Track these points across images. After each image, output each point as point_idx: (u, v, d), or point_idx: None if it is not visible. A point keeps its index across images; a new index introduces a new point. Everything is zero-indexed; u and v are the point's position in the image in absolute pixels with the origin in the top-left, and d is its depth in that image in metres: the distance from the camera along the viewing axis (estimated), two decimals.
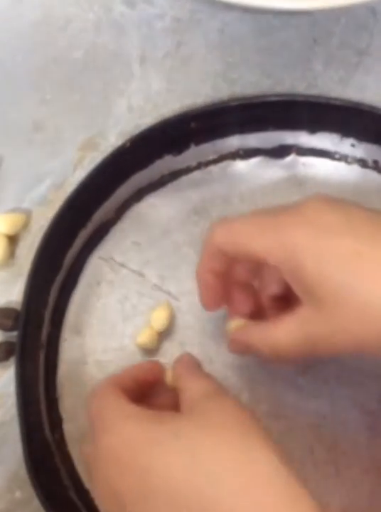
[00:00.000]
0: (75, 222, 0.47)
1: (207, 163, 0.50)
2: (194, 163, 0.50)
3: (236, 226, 0.38)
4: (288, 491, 0.30)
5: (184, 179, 0.50)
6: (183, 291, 0.46)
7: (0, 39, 0.54)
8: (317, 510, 0.30)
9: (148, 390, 0.39)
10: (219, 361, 0.44)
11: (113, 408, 0.35)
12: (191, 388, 0.36)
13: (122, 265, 0.47)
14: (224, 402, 0.35)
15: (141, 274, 0.47)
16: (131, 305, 0.46)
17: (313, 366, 0.44)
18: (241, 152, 0.50)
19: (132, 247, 0.48)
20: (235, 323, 0.41)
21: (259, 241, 0.36)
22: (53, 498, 0.40)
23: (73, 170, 0.50)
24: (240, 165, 0.50)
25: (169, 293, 0.46)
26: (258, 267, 0.41)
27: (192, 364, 0.40)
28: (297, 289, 0.35)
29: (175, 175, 0.49)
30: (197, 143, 0.49)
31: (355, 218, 0.35)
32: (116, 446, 0.33)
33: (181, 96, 0.52)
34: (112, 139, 0.51)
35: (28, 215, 0.49)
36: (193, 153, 0.49)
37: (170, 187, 0.49)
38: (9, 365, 0.45)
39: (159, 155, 0.48)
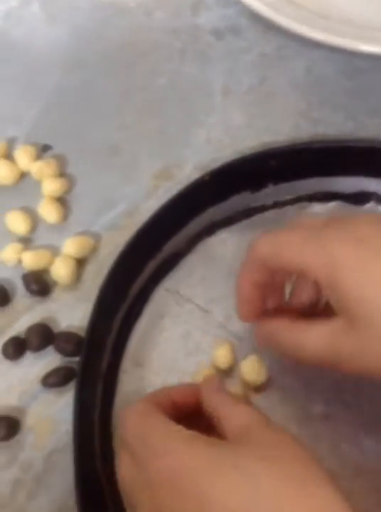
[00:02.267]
0: (146, 251, 0.46)
1: (283, 203, 0.49)
2: (270, 202, 0.49)
3: (280, 238, 0.38)
4: None
5: (258, 217, 0.49)
6: (249, 332, 0.45)
7: (85, 60, 0.54)
8: None
9: (183, 413, 0.38)
10: (281, 411, 0.43)
11: (163, 430, 0.34)
12: (234, 416, 0.35)
13: (188, 300, 0.47)
14: (280, 434, 0.34)
15: (206, 311, 0.46)
16: (194, 342, 0.45)
17: (378, 425, 0.42)
18: (319, 195, 0.48)
19: (200, 282, 0.47)
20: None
21: (302, 255, 0.36)
22: None
23: (146, 198, 0.50)
24: (316, 208, 0.49)
25: (234, 333, 0.45)
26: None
27: (223, 389, 0.38)
28: (334, 304, 0.35)
29: (249, 212, 0.49)
30: (276, 182, 0.48)
31: None
32: (174, 470, 0.32)
33: (261, 132, 0.51)
34: (188, 170, 0.50)
35: (97, 239, 0.49)
36: (270, 192, 0.48)
37: (243, 224, 0.48)
38: (66, 390, 0.44)
39: (237, 191, 0.47)
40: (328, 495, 0.30)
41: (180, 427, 0.34)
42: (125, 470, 0.35)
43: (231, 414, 0.35)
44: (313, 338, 0.36)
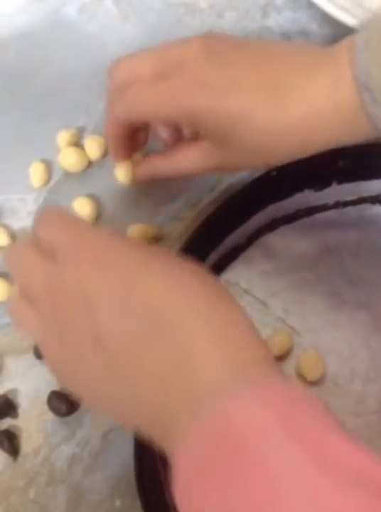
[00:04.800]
0: (208, 243, 0.47)
1: (345, 204, 0.49)
2: (332, 202, 0.49)
3: (133, 98, 0.41)
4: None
5: (319, 216, 0.49)
6: (307, 327, 0.46)
7: None
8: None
9: None
10: (336, 404, 0.43)
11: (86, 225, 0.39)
12: None
13: (247, 292, 0.47)
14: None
15: (265, 304, 0.47)
16: None
17: None
18: None
19: (259, 276, 0.48)
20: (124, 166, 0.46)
21: (161, 110, 0.40)
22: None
23: (208, 191, 0.51)
24: (379, 210, 0.49)
25: (292, 327, 0.46)
26: None
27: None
28: (201, 132, 0.41)
29: (310, 210, 0.49)
30: (340, 182, 0.48)
31: (239, 73, 0.39)
32: (99, 250, 0.34)
33: None
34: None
35: (160, 229, 0.50)
36: (333, 192, 0.49)
37: (304, 221, 0.49)
38: None
39: (300, 188, 0.48)
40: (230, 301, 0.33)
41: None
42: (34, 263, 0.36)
43: None
44: (189, 160, 0.42)
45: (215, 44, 0.40)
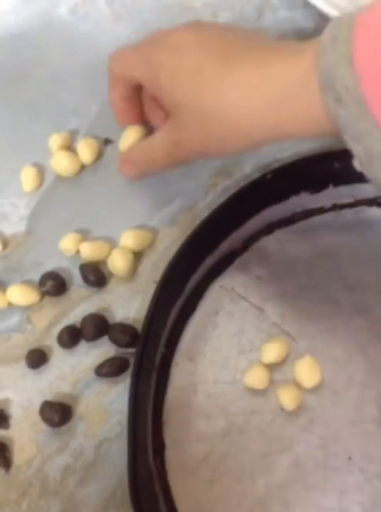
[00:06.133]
0: (203, 248, 0.46)
1: (342, 206, 0.48)
2: (328, 205, 0.48)
3: (125, 57, 0.45)
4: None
5: (316, 219, 0.49)
6: (303, 333, 0.45)
7: None
8: None
9: None
10: (333, 412, 0.42)
11: None
12: None
13: (243, 298, 0.47)
14: None
15: (261, 310, 0.46)
16: (247, 339, 0.45)
17: None
18: (379, 200, 0.48)
19: (255, 281, 0.47)
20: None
21: (137, 67, 0.43)
22: None
23: (204, 194, 0.50)
24: (376, 212, 0.48)
25: (288, 333, 0.45)
26: None
27: None
28: (164, 104, 0.42)
29: (307, 214, 0.48)
30: (336, 184, 0.47)
31: (207, 39, 0.40)
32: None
33: None
34: (247, 170, 0.50)
35: (154, 233, 0.49)
36: (330, 194, 0.48)
37: (301, 225, 0.48)
38: (119, 381, 0.45)
39: (296, 191, 0.47)
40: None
41: None
42: None
43: None
44: (157, 141, 0.44)
45: (202, 24, 0.44)
